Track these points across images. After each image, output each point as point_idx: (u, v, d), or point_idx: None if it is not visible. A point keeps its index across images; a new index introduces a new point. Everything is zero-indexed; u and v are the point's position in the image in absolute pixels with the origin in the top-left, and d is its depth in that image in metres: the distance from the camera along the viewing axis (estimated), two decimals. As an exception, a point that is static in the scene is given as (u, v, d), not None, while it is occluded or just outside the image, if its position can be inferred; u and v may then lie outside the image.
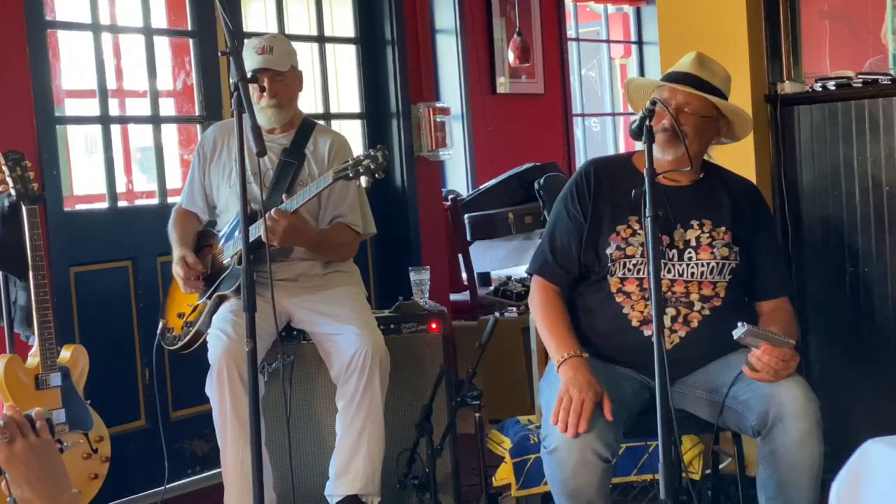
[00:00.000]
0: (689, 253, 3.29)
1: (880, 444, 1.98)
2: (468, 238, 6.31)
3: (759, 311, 3.38)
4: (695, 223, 3.32)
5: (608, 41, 9.68)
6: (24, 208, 3.89)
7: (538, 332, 3.42)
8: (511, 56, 7.45)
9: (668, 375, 2.81)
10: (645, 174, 2.94)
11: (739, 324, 3.01)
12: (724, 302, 3.29)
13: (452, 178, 7.37)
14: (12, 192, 3.92)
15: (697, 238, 3.31)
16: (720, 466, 3.86)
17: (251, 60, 4.00)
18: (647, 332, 3.23)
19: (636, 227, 3.30)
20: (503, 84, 7.73)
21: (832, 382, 4.06)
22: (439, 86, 7.21)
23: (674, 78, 3.31)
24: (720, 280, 3.29)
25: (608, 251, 3.30)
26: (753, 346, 3.05)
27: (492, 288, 6.35)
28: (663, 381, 2.80)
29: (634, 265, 3.29)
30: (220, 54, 4.25)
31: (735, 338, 3.02)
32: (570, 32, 8.74)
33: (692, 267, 3.27)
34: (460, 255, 6.26)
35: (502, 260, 6.73)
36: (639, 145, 3.46)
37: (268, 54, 4.02)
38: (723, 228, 3.32)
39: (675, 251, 3.29)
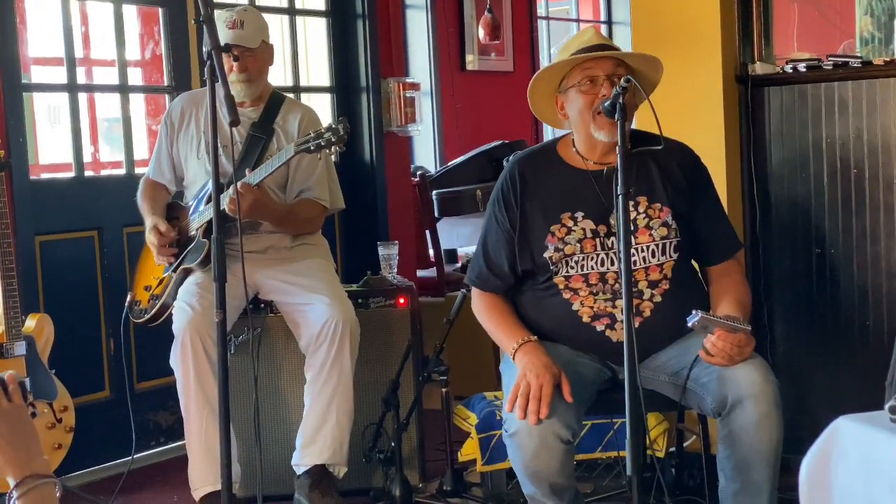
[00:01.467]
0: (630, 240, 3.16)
1: (850, 421, 2.00)
2: (436, 214, 6.30)
3: (709, 275, 3.35)
4: (630, 203, 3.17)
5: (578, 20, 9.68)
6: (-10, 175, 3.87)
7: (488, 332, 3.36)
8: (481, 33, 7.44)
9: (626, 361, 2.79)
10: (618, 151, 2.92)
11: (693, 312, 2.97)
12: (672, 282, 3.22)
13: (420, 155, 7.37)
14: (-22, 158, 3.89)
15: (635, 221, 3.21)
16: (684, 444, 3.89)
17: (222, 34, 3.94)
18: (598, 328, 3.20)
19: (570, 224, 3.22)
20: (472, 61, 7.72)
21: (796, 361, 4.09)
22: (409, 61, 7.20)
23: (589, 51, 3.21)
24: (665, 260, 3.21)
25: (546, 255, 3.21)
26: (709, 333, 3.04)
27: (459, 265, 6.35)
28: (632, 359, 2.79)
29: (577, 262, 3.21)
30: (193, 22, 4.20)
31: (689, 326, 2.99)
32: (541, 10, 8.74)
33: (633, 254, 3.17)
34: (427, 232, 6.26)
35: (469, 237, 6.73)
36: (561, 129, 3.39)
37: (238, 29, 3.99)
38: (658, 205, 3.23)
39: (613, 239, 3.19)
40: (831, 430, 2.01)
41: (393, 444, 4.02)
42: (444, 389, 4.04)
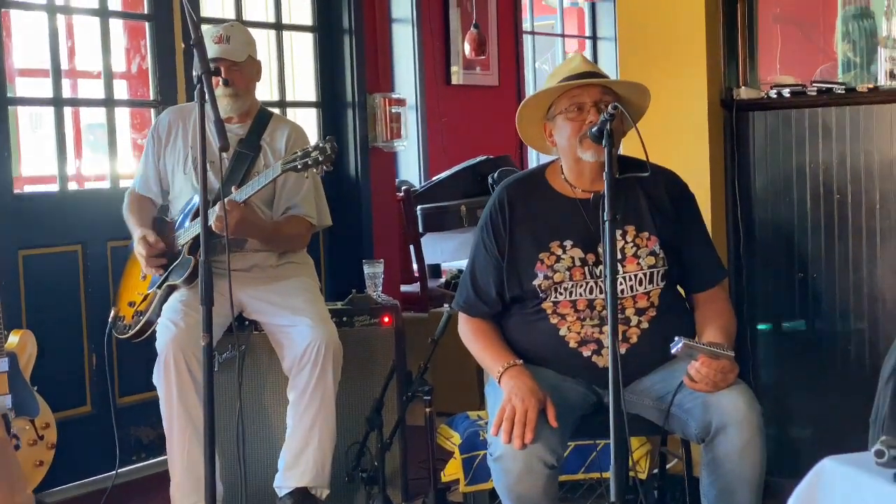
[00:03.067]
0: (617, 267, 3.18)
1: (836, 463, 2.01)
2: (420, 230, 6.31)
3: (695, 301, 3.36)
4: (618, 233, 3.20)
5: (563, 35, 9.71)
6: (-26, 191, 3.86)
7: (475, 356, 3.37)
8: (467, 48, 7.46)
9: (611, 385, 2.80)
10: (605, 178, 2.93)
11: (676, 339, 2.99)
12: (659, 309, 3.24)
13: (405, 169, 7.37)
14: (-37, 174, 3.87)
15: (622, 250, 3.23)
16: (667, 467, 3.90)
17: (208, 49, 3.96)
18: (585, 353, 3.21)
19: (559, 252, 3.23)
20: (457, 75, 7.74)
21: (779, 386, 4.12)
22: (394, 75, 7.20)
23: (576, 79, 3.23)
24: (653, 288, 3.24)
25: (535, 283, 3.22)
26: (693, 359, 3.06)
27: (443, 280, 6.36)
28: (616, 383, 2.80)
29: (566, 288, 3.22)
30: (184, 45, 4.21)
31: (672, 353, 3.01)
32: (526, 25, 8.76)
33: (621, 283, 3.20)
34: (412, 247, 6.26)
35: (453, 252, 6.72)
36: (549, 154, 3.40)
37: (224, 44, 3.99)
38: (646, 234, 3.25)
39: (601, 267, 3.20)
40: (816, 472, 2.02)
41: (376, 463, 4.02)
42: (427, 409, 4.04)
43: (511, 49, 8.37)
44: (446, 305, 5.60)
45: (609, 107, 3.01)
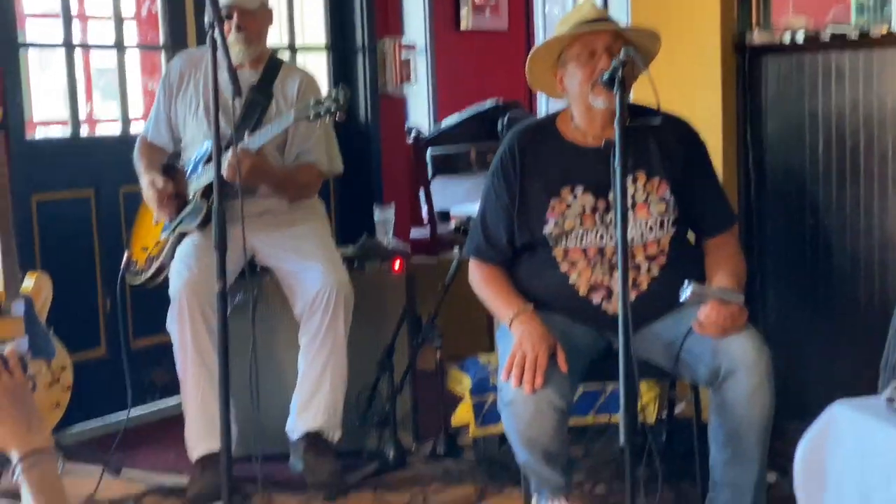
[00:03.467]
0: (627, 213, 3.18)
1: (847, 408, 2.02)
2: (430, 174, 6.32)
3: (705, 247, 3.38)
4: (628, 179, 3.22)
5: (573, -22, 9.63)
6: (-13, 136, 3.86)
7: (485, 302, 3.39)
8: (476, -6, 7.42)
9: (621, 334, 2.81)
10: (615, 125, 2.91)
11: (685, 283, 3.01)
12: (669, 256, 3.26)
13: (414, 114, 7.35)
14: (-25, 119, 3.88)
15: (633, 196, 3.24)
16: (675, 412, 3.93)
17: (221, -4, 3.97)
18: (595, 300, 3.24)
19: (569, 198, 3.25)
20: (466, 19, 7.70)
21: (788, 331, 4.13)
22: (403, 20, 7.16)
23: (588, 25, 3.22)
24: (663, 235, 3.26)
25: (546, 230, 3.25)
26: (702, 304, 3.08)
27: (452, 225, 6.37)
28: (626, 332, 2.81)
29: (576, 236, 3.24)
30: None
31: (682, 300, 3.03)
32: (536, -33, 8.69)
33: (632, 229, 3.21)
34: (421, 191, 6.28)
35: (463, 196, 6.74)
36: (560, 99, 3.39)
37: (239, -10, 3.98)
38: (657, 179, 3.26)
39: (611, 215, 3.22)
40: (827, 417, 2.03)
41: (387, 407, 4.06)
42: (437, 356, 4.08)
43: (521, -8, 8.32)
44: (456, 249, 5.62)
45: (621, 52, 3.00)
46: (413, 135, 6.33)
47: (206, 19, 2.83)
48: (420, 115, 7.42)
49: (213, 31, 2.77)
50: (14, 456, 1.89)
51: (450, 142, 6.52)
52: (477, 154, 6.42)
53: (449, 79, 7.50)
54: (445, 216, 6.62)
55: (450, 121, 6.87)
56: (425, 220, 6.27)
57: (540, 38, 8.95)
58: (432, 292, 4.18)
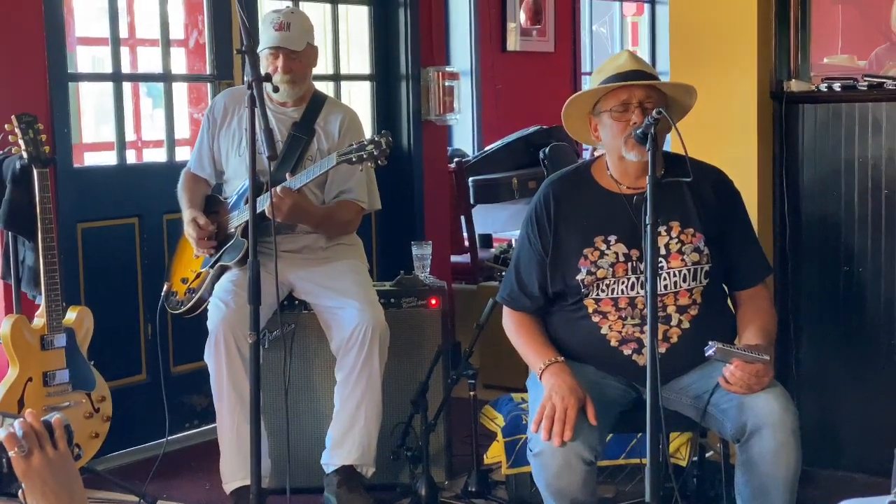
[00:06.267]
0: (660, 263, 3.21)
1: (853, 505, 2.04)
2: (471, 202, 6.36)
3: (737, 299, 3.39)
4: (662, 229, 3.23)
5: (620, -1, 9.66)
6: (35, 171, 3.95)
7: (517, 349, 3.43)
8: (523, 17, 7.45)
9: (649, 385, 2.84)
10: (647, 181, 2.96)
11: (709, 343, 3.03)
12: (701, 307, 3.27)
13: (459, 138, 7.39)
14: (24, 154, 3.97)
15: (667, 245, 3.26)
16: (706, 455, 3.95)
17: (267, 35, 4.03)
18: (626, 352, 3.26)
19: (602, 247, 3.27)
20: (513, 41, 7.73)
21: (822, 379, 4.13)
22: (449, 42, 7.21)
23: (623, 77, 3.24)
24: (696, 285, 3.26)
25: (578, 277, 3.26)
26: (727, 363, 3.10)
27: (493, 251, 6.41)
28: (654, 385, 2.84)
29: (608, 285, 3.26)
30: (236, 52, 4.26)
31: (706, 356, 3.05)
32: (583, -11, 8.73)
33: (664, 279, 3.22)
34: (463, 218, 6.32)
35: (504, 222, 6.79)
36: (593, 151, 3.41)
37: (285, 31, 4.03)
38: (691, 230, 3.27)
39: (644, 264, 3.20)
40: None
41: (420, 442, 4.11)
42: (472, 393, 4.12)
43: (568, 12, 8.35)
44: (494, 283, 5.66)
45: (654, 111, 3.03)
46: (455, 161, 6.37)
47: (245, 79, 2.89)
48: (464, 139, 7.47)
49: (252, 91, 2.83)
50: None
51: (491, 168, 6.55)
52: (518, 182, 6.46)
53: (494, 102, 7.53)
54: (487, 241, 6.66)
55: (493, 146, 6.91)
56: (466, 246, 6.30)
57: (587, 58, 8.98)
58: (472, 319, 4.20)
